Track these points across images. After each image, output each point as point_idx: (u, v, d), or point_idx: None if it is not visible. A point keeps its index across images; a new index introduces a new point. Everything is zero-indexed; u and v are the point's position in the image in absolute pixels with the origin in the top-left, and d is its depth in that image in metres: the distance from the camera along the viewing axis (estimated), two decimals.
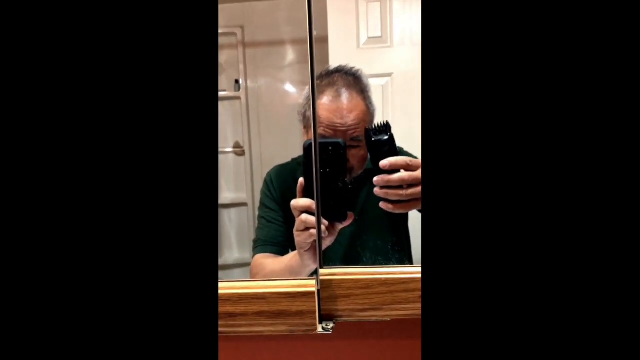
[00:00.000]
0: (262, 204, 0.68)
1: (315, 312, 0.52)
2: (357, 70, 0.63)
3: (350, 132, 0.60)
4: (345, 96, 0.61)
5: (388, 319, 0.53)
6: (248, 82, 0.82)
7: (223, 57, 0.81)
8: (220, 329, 0.52)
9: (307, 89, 0.64)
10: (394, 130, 0.65)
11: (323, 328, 0.53)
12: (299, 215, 0.55)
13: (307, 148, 0.55)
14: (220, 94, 0.82)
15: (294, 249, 0.58)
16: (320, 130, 0.60)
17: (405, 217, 0.65)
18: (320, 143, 0.54)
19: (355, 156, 0.61)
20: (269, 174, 0.68)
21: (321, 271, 0.53)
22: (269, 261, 0.65)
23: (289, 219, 0.57)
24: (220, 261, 0.82)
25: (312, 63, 0.52)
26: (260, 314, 0.52)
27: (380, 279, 0.52)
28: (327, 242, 0.56)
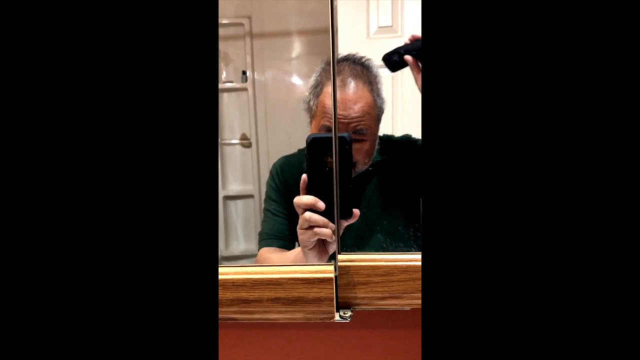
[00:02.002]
0: (268, 197, 0.67)
1: (333, 300, 0.50)
2: (367, 60, 0.61)
3: (353, 124, 0.59)
4: (350, 86, 0.60)
5: (408, 308, 0.51)
6: (255, 73, 0.81)
7: (230, 48, 0.81)
8: (233, 316, 0.51)
9: (313, 78, 0.63)
10: (403, 121, 0.64)
11: (341, 316, 0.51)
12: (302, 213, 0.54)
13: (310, 143, 0.54)
14: (227, 85, 0.81)
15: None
16: (323, 121, 0.59)
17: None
18: (324, 137, 0.52)
19: (360, 150, 0.60)
20: (274, 166, 0.67)
21: (339, 257, 0.52)
22: (274, 256, 0.64)
23: (295, 211, 0.55)
24: (227, 252, 0.81)
25: (334, 54, 0.51)
26: (275, 300, 0.50)
27: (401, 266, 0.50)
28: (332, 239, 0.54)
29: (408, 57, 0.59)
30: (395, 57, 0.60)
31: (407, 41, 0.60)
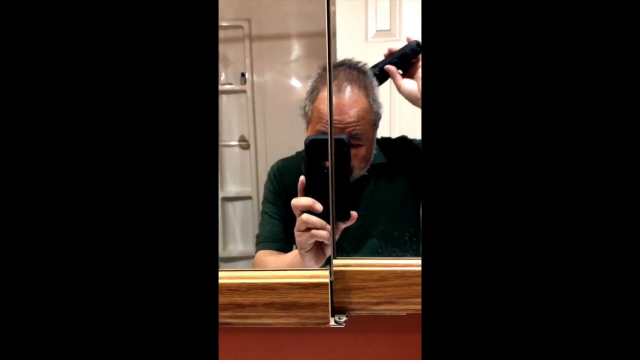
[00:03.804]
0: (266, 199, 0.66)
1: (327, 305, 0.50)
2: (363, 65, 0.61)
3: (349, 129, 0.58)
4: (346, 91, 0.60)
5: (404, 313, 0.51)
6: (254, 75, 0.81)
7: (229, 50, 0.81)
8: (227, 320, 0.51)
9: (309, 84, 0.63)
10: (400, 125, 0.64)
11: (336, 321, 0.51)
12: (300, 215, 0.54)
13: (308, 145, 0.53)
14: (226, 87, 0.82)
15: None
16: (319, 127, 0.59)
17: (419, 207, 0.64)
18: (322, 139, 0.52)
19: (356, 155, 0.59)
20: (272, 169, 0.67)
21: (335, 262, 0.51)
22: (271, 259, 0.64)
23: (293, 214, 0.55)
24: (224, 254, 0.81)
25: (330, 57, 0.51)
26: (270, 305, 0.50)
27: (396, 271, 0.51)
28: (330, 248, 0.54)
29: (389, 67, 0.61)
30: (376, 71, 0.61)
31: (387, 53, 0.61)
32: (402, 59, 0.60)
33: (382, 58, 0.62)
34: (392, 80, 0.61)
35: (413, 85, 0.59)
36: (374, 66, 0.61)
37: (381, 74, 0.61)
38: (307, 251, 0.54)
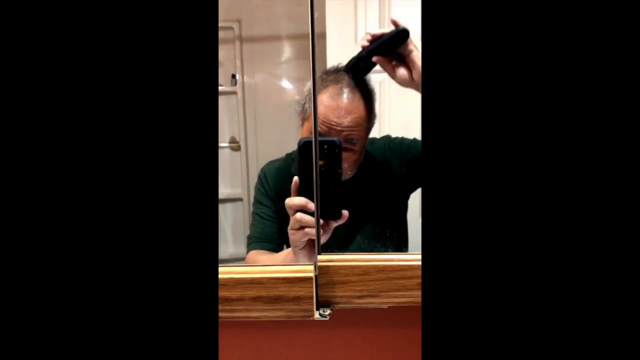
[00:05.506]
0: (256, 201, 0.67)
1: (312, 298, 0.51)
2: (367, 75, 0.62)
3: (344, 133, 0.60)
4: (347, 96, 0.61)
5: (385, 306, 0.52)
6: (245, 77, 0.81)
7: (220, 51, 0.81)
8: None
9: (310, 83, 0.64)
10: (391, 126, 0.65)
11: (320, 314, 0.52)
12: (294, 214, 0.55)
13: (301, 146, 0.54)
14: None
15: (288, 245, 0.58)
16: None
17: (405, 204, 0.65)
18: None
19: (348, 160, 0.61)
20: (262, 170, 0.68)
21: (319, 257, 0.53)
22: (263, 258, 0.65)
23: (283, 215, 0.56)
24: None
25: (314, 58, 0.52)
26: (257, 299, 0.51)
27: (377, 266, 0.52)
28: (321, 240, 0.55)
29: (376, 58, 0.60)
30: (361, 64, 0.61)
31: (366, 43, 0.61)
32: (388, 46, 0.60)
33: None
34: (382, 84, 0.63)
35: (405, 72, 0.59)
36: (357, 59, 0.61)
37: (368, 64, 0.61)
38: (301, 249, 0.55)
